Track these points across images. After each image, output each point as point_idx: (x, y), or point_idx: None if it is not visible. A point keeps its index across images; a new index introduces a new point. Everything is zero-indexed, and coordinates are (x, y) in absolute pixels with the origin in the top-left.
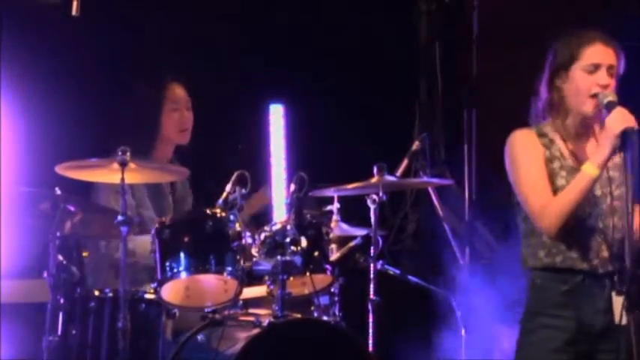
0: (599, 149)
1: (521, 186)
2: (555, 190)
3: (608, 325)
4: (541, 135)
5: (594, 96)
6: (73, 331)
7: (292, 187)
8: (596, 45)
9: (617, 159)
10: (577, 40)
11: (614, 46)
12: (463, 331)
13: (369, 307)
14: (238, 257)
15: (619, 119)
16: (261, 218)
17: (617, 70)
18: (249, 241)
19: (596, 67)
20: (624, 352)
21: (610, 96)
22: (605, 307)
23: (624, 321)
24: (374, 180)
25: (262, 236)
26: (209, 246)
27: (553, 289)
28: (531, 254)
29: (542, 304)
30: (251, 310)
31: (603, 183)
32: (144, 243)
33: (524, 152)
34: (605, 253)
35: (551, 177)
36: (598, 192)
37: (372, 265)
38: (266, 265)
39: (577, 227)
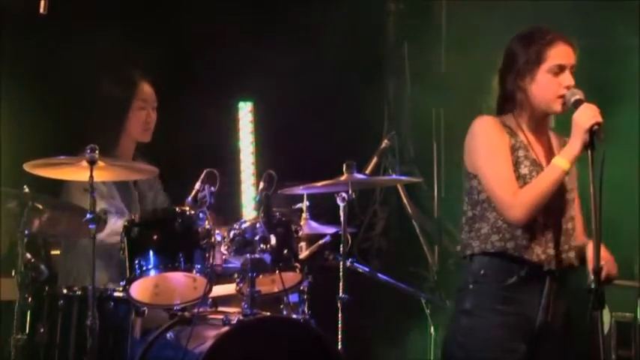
0: (570, 144)
1: (487, 176)
2: (518, 178)
3: (548, 323)
4: (503, 125)
5: (562, 96)
6: (41, 330)
7: (261, 184)
8: (560, 45)
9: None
10: (539, 41)
11: (572, 44)
12: (432, 330)
13: (339, 305)
14: (207, 255)
15: (588, 114)
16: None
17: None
18: (219, 238)
19: (561, 69)
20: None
21: (577, 94)
22: (545, 304)
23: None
24: (343, 178)
25: (231, 234)
26: (178, 244)
27: (497, 282)
28: (478, 239)
29: (485, 299)
30: (220, 308)
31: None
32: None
33: (490, 140)
34: (552, 251)
35: (515, 164)
36: None
37: (341, 263)
38: (235, 263)
39: (535, 221)
